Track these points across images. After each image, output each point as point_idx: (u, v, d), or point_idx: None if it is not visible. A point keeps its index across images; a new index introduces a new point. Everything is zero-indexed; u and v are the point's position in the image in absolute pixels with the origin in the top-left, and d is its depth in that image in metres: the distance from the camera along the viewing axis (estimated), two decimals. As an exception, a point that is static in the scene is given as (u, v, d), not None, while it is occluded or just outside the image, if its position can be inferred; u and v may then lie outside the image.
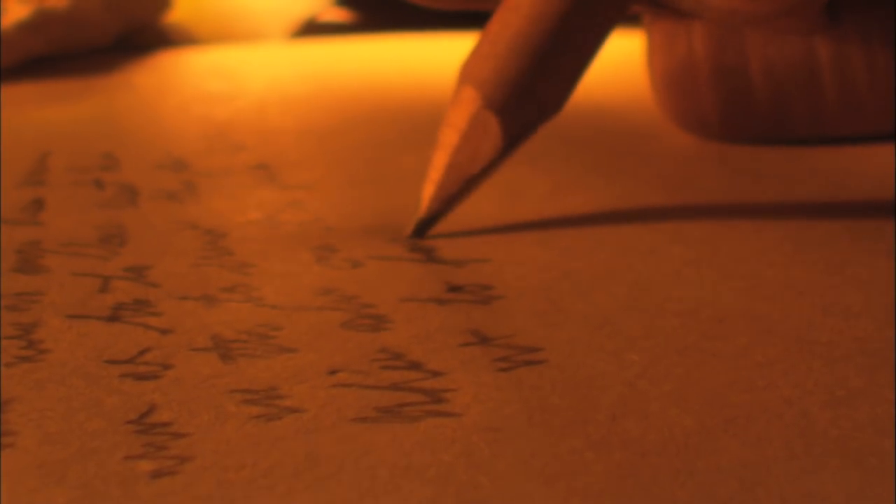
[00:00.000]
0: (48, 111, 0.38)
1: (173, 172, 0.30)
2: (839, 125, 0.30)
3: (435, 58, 0.42)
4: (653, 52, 0.31)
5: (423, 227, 0.24)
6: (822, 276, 0.21)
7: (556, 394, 0.17)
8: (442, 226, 0.25)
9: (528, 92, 0.23)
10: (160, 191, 0.28)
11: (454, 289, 0.21)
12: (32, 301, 0.21)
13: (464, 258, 0.23)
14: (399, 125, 0.28)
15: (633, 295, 0.21)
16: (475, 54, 0.24)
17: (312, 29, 0.58)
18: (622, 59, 0.38)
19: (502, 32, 0.23)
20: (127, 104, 0.39)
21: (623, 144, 0.32)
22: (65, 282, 0.22)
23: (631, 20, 0.40)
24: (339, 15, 0.65)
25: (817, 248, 0.23)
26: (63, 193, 0.28)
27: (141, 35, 0.55)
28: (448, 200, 0.24)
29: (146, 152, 0.32)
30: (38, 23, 0.48)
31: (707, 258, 0.22)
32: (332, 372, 0.18)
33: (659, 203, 0.26)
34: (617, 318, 0.20)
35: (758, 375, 0.18)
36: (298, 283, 0.22)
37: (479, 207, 0.26)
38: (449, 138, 0.24)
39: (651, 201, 0.26)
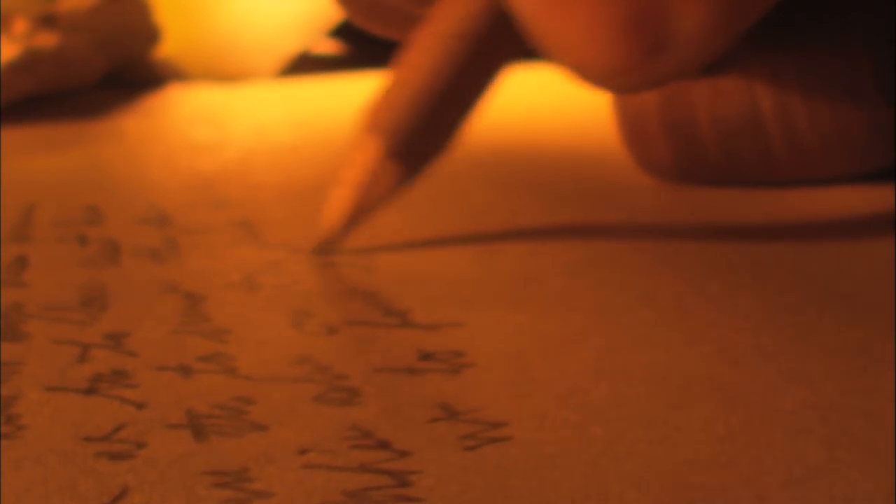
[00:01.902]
0: (36, 159, 0.38)
1: (156, 228, 0.30)
2: (787, 171, 0.32)
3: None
4: (615, 98, 0.32)
5: (326, 249, 0.28)
6: (789, 342, 0.22)
7: (519, 475, 0.17)
8: (419, 286, 0.25)
9: (424, 141, 0.27)
10: (142, 248, 0.29)
11: (426, 357, 0.22)
12: (13, 371, 0.22)
13: (438, 322, 0.23)
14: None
15: (602, 361, 0.21)
16: (379, 107, 0.27)
17: (305, 62, 0.59)
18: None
19: (403, 90, 0.27)
20: (114, 152, 0.39)
21: (603, 200, 0.32)
22: (45, 350, 0.23)
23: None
24: (331, 48, 0.66)
25: (787, 313, 0.23)
26: (47, 251, 0.29)
27: (130, 70, 0.56)
28: (348, 227, 0.28)
29: (131, 205, 0.33)
30: (28, 62, 0.48)
31: (677, 322, 0.23)
32: (303, 452, 0.18)
33: (633, 263, 0.26)
34: (584, 387, 0.20)
35: (720, 451, 0.18)
36: (274, 351, 0.22)
37: (456, 267, 0.27)
38: (353, 176, 0.27)
39: (626, 261, 0.27)
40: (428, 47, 0.26)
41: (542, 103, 0.44)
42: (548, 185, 0.34)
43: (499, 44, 0.26)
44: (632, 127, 0.33)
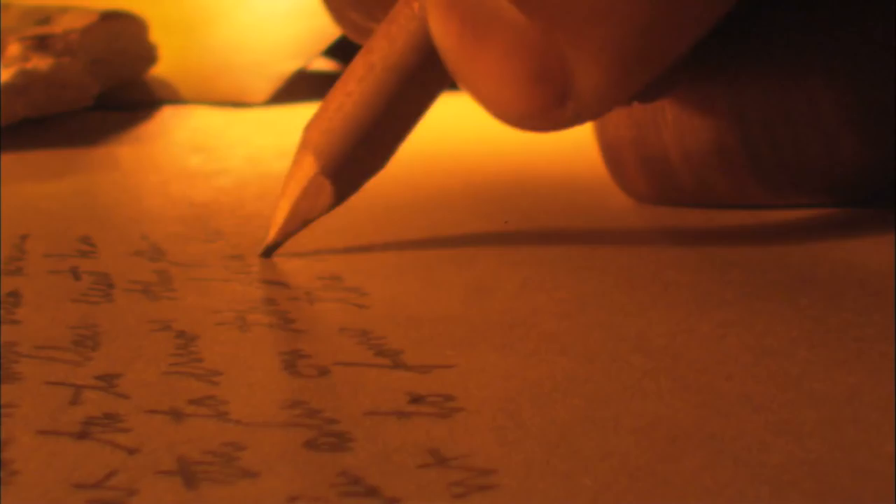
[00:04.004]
0: (28, 186, 0.38)
1: (149, 261, 0.30)
2: (760, 199, 0.33)
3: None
4: (596, 131, 0.35)
5: (268, 253, 0.31)
6: (778, 391, 0.22)
7: (508, 527, 0.17)
8: (411, 325, 0.25)
9: (357, 161, 0.29)
10: (135, 283, 0.29)
11: (416, 400, 0.22)
12: (6, 415, 0.22)
13: (429, 363, 0.24)
14: (372, 208, 0.29)
15: (592, 408, 0.21)
16: (316, 126, 0.29)
17: (300, 81, 0.59)
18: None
19: (338, 112, 0.28)
20: (107, 180, 0.39)
21: (596, 234, 0.32)
22: (38, 392, 0.23)
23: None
24: (327, 66, 0.66)
25: (776, 357, 0.23)
26: (40, 285, 0.29)
27: (124, 91, 0.56)
28: (288, 235, 0.30)
29: (124, 236, 0.33)
30: (22, 85, 0.48)
31: (667, 369, 0.23)
32: (292, 499, 0.18)
33: (624, 302, 0.27)
34: (573, 435, 0.20)
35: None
36: (265, 394, 0.22)
37: (449, 305, 0.27)
38: (292, 190, 0.30)
39: (617, 300, 0.27)
40: (361, 76, 0.28)
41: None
42: (541, 219, 0.34)
43: (427, 76, 0.28)
44: (611, 158, 0.34)
